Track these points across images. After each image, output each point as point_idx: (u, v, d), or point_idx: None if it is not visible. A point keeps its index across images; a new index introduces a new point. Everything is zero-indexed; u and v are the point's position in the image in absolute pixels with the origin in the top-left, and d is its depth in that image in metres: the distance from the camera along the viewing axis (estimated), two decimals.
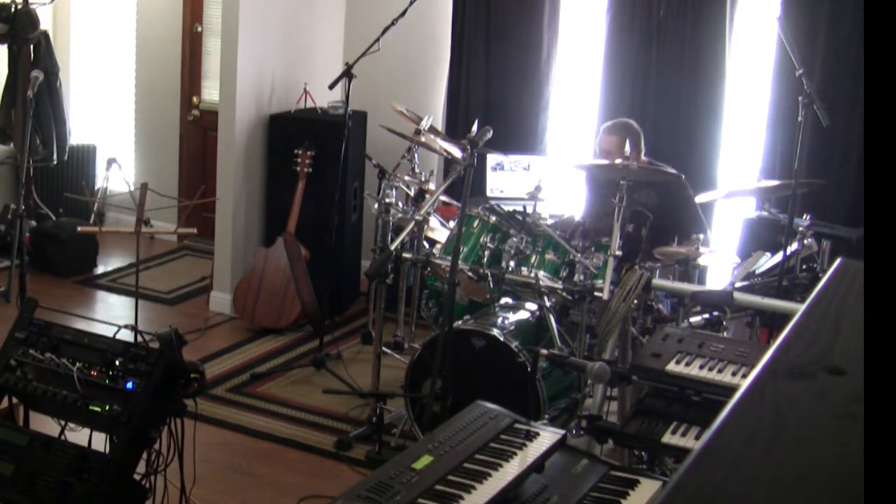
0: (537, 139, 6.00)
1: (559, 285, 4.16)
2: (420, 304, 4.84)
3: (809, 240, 4.39)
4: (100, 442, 2.97)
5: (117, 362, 2.90)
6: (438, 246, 4.58)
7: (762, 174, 5.26)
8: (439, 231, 4.83)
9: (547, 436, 2.38)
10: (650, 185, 4.61)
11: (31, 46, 6.29)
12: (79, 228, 5.73)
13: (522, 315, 4.32)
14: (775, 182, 4.63)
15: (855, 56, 5.11)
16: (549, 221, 4.89)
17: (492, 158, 5.67)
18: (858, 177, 5.16)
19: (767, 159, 5.39)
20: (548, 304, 4.17)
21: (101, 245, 6.67)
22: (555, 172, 5.46)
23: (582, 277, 4.14)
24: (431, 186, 4.92)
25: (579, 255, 4.18)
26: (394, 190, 4.80)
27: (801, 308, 1.28)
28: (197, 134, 7.26)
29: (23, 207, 5.80)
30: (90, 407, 2.86)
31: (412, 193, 4.93)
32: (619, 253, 3.93)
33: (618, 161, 4.08)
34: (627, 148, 4.19)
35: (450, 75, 6.16)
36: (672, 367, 2.85)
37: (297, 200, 5.61)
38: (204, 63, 7.15)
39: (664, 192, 4.58)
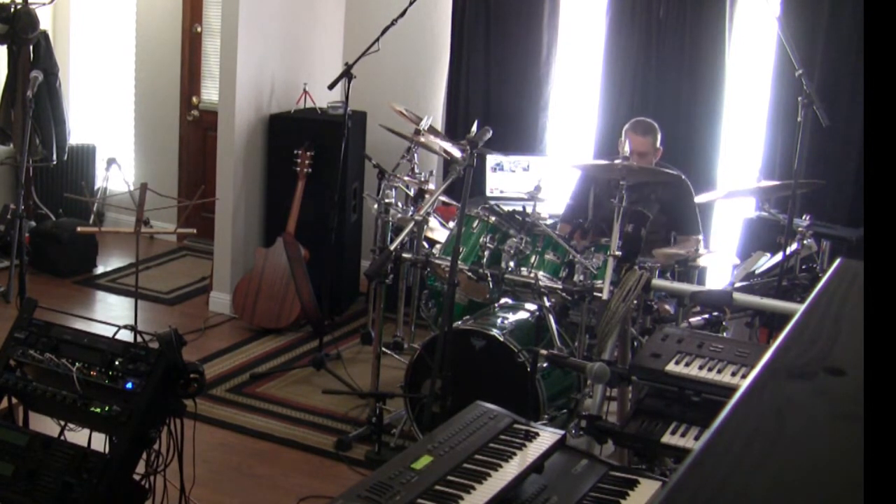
0: (537, 139, 6.00)
1: (559, 285, 4.15)
2: (420, 305, 4.84)
3: (809, 240, 4.39)
4: (99, 442, 2.97)
5: (117, 362, 2.90)
6: (438, 246, 4.58)
7: (762, 174, 5.26)
8: (439, 231, 4.83)
9: (546, 436, 2.38)
10: (660, 182, 4.61)
11: (31, 46, 6.29)
12: (78, 229, 5.74)
13: (522, 315, 4.32)
14: (775, 182, 4.63)
15: (855, 56, 5.11)
16: (549, 221, 4.89)
17: (491, 159, 5.67)
18: (858, 177, 5.16)
19: (767, 159, 5.39)
20: (547, 304, 4.17)
21: (100, 245, 6.67)
22: (554, 172, 5.46)
23: (581, 278, 4.14)
24: (431, 186, 4.92)
25: (579, 255, 4.17)
26: (393, 190, 4.80)
27: (800, 308, 1.28)
28: (196, 134, 7.26)
29: (22, 207, 5.81)
30: (90, 407, 2.86)
31: (412, 193, 4.93)
32: (618, 253, 3.93)
33: (617, 161, 4.08)
34: (627, 148, 4.19)
35: (450, 75, 6.16)
36: (672, 367, 2.85)
37: (297, 200, 5.61)
38: (203, 63, 7.15)
39: (672, 190, 4.58)
